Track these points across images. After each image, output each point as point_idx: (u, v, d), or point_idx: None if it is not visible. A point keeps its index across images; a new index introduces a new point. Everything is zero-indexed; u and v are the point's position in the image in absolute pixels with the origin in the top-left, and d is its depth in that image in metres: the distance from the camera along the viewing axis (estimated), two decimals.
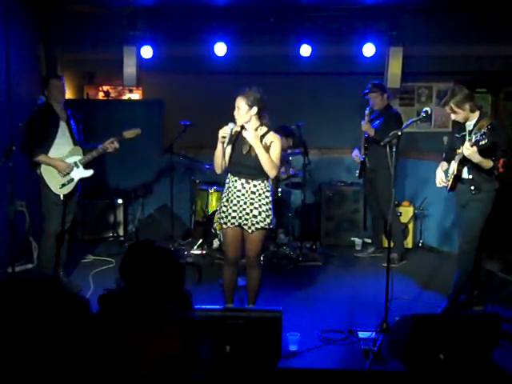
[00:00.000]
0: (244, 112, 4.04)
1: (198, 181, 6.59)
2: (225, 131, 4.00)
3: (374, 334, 3.97)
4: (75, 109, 5.19)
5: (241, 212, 4.11)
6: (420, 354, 3.52)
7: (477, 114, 4.34)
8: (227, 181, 4.23)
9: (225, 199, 4.21)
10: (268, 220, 4.12)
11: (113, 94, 7.95)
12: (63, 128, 4.94)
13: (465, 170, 4.36)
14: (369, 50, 6.79)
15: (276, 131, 4.28)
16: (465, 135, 4.35)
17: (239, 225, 4.14)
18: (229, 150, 4.15)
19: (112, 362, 0.93)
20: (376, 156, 5.86)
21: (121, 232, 6.98)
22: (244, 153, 4.08)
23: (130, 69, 6.76)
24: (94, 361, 0.93)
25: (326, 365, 3.68)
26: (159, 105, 7.26)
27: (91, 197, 6.84)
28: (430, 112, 4.19)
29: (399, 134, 4.13)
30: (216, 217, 4.32)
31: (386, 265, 4.17)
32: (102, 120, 7.03)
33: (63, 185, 4.89)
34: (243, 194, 4.11)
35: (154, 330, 1.92)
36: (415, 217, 6.84)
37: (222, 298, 4.42)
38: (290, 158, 6.46)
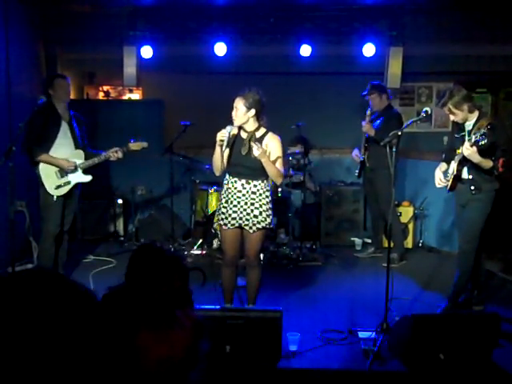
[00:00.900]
0: (242, 113, 4.03)
1: (197, 181, 6.59)
2: (222, 134, 3.99)
3: (374, 334, 3.97)
4: (75, 109, 5.17)
5: (241, 213, 4.10)
6: (420, 354, 3.52)
7: (476, 114, 4.34)
8: (225, 182, 4.22)
9: (224, 200, 4.20)
10: (268, 220, 4.12)
11: (113, 94, 7.95)
12: (65, 129, 4.93)
13: (464, 170, 4.36)
14: (369, 50, 6.79)
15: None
16: (464, 135, 4.35)
17: (239, 225, 4.14)
18: (227, 151, 4.15)
19: (115, 360, 0.93)
20: (376, 156, 5.86)
21: (121, 232, 6.98)
22: (243, 154, 4.07)
23: (130, 69, 6.76)
24: (99, 356, 0.93)
25: (325, 365, 3.68)
26: (159, 105, 7.27)
27: (91, 197, 6.83)
28: (430, 112, 4.19)
29: (399, 133, 4.13)
30: (215, 219, 4.32)
31: (385, 265, 4.17)
32: (102, 120, 7.04)
33: (59, 186, 4.86)
34: (244, 195, 4.11)
35: (158, 332, 1.93)
36: (415, 217, 6.84)
37: (221, 297, 4.42)
38: (290, 158, 6.47)
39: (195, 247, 6.32)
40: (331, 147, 7.41)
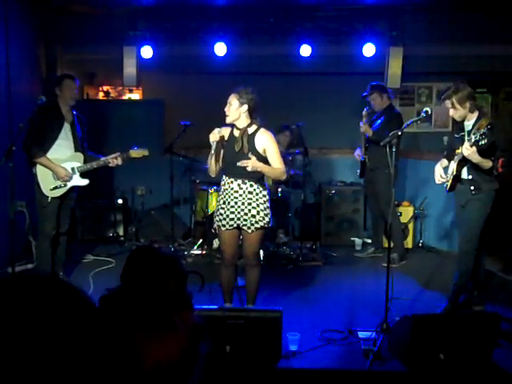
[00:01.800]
0: (234, 108, 4.05)
1: (197, 181, 6.59)
2: (215, 135, 4.03)
3: (374, 334, 3.96)
4: (75, 109, 5.15)
5: (239, 213, 4.10)
6: (420, 354, 3.52)
7: (476, 114, 4.34)
8: (222, 182, 4.22)
9: (221, 201, 4.19)
10: (267, 219, 4.12)
11: (113, 94, 7.96)
12: (67, 130, 4.90)
13: (464, 170, 4.36)
14: (369, 50, 6.79)
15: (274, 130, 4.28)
16: (464, 135, 4.35)
17: (238, 226, 4.14)
18: (222, 151, 4.16)
19: (112, 363, 0.92)
20: (376, 156, 5.86)
21: (121, 232, 6.97)
22: (236, 151, 4.06)
23: (129, 69, 6.76)
24: (95, 360, 0.93)
25: (325, 365, 3.68)
26: (159, 105, 7.27)
27: (91, 197, 6.84)
28: (430, 112, 4.19)
29: (399, 133, 4.13)
30: (214, 219, 4.32)
31: (385, 265, 4.17)
32: (102, 120, 7.04)
33: (55, 187, 4.84)
34: (241, 195, 4.10)
35: (154, 336, 1.92)
36: (415, 217, 6.84)
37: (221, 298, 4.42)
38: (290, 158, 6.47)
39: (195, 247, 6.32)
40: (331, 147, 7.41)
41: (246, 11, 6.74)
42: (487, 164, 4.15)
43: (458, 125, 4.52)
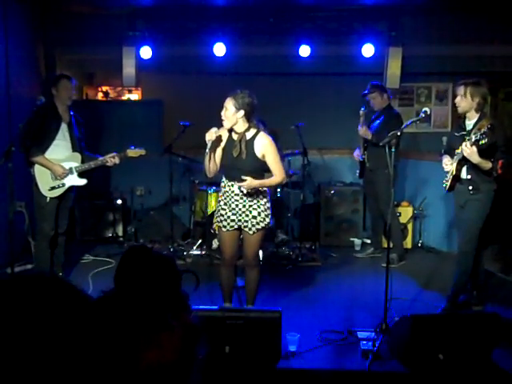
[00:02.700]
0: (230, 114, 4.00)
1: (197, 181, 6.59)
2: (211, 134, 3.98)
3: (373, 334, 3.97)
4: (74, 109, 5.15)
5: (240, 215, 4.10)
6: (419, 355, 3.52)
7: (478, 114, 4.34)
8: (223, 184, 4.21)
9: (222, 203, 4.19)
10: (267, 219, 4.12)
11: (112, 95, 7.96)
12: (64, 130, 4.90)
13: (464, 170, 4.36)
14: (368, 50, 6.79)
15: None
16: (464, 135, 4.35)
17: (239, 227, 4.14)
18: (219, 153, 4.14)
19: (107, 363, 0.92)
20: (375, 156, 5.86)
21: (120, 232, 6.97)
22: (235, 156, 4.05)
23: (129, 69, 6.76)
24: (92, 359, 0.93)
25: (325, 365, 3.68)
26: (158, 105, 7.26)
27: (91, 197, 6.83)
28: (429, 112, 4.18)
29: (398, 134, 4.13)
30: (214, 220, 4.32)
31: (385, 265, 4.17)
32: (101, 120, 7.04)
33: (53, 188, 4.84)
34: (241, 198, 4.10)
35: (147, 336, 1.91)
36: (414, 217, 6.84)
37: (221, 298, 4.42)
38: (290, 159, 6.47)
39: (194, 247, 6.32)
40: (331, 147, 7.41)
41: (246, 11, 6.74)
42: (487, 165, 4.15)
43: (459, 123, 4.51)
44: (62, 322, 0.91)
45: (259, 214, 4.08)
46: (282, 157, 6.59)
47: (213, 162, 4.11)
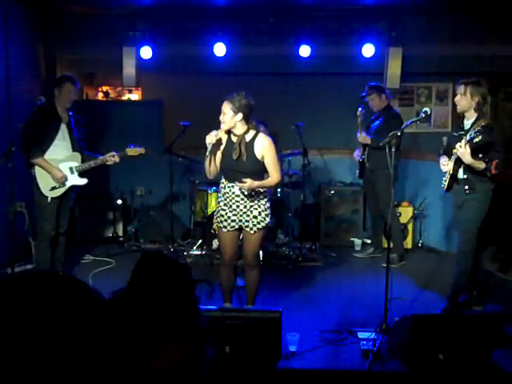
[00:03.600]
0: (229, 118, 3.99)
1: (197, 181, 6.59)
2: (211, 137, 3.99)
3: (373, 334, 3.97)
4: (74, 110, 5.14)
5: (241, 216, 4.11)
6: (419, 355, 3.52)
7: (477, 114, 4.34)
8: (222, 185, 4.21)
9: (223, 203, 4.19)
10: (268, 219, 4.14)
11: (112, 95, 7.95)
12: (64, 131, 4.90)
13: (460, 170, 4.36)
14: (368, 50, 6.79)
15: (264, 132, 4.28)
16: (462, 134, 4.34)
17: (239, 227, 4.15)
18: (219, 155, 4.15)
19: (117, 366, 0.93)
20: (376, 157, 5.86)
21: (120, 232, 6.97)
22: (235, 158, 4.05)
23: (129, 69, 6.76)
24: (103, 361, 0.93)
25: (325, 365, 3.68)
26: (158, 105, 7.26)
27: (91, 197, 6.84)
28: (429, 112, 4.18)
29: (398, 134, 4.13)
30: (214, 220, 4.32)
31: (385, 265, 4.17)
32: (101, 121, 7.04)
33: (53, 187, 4.83)
34: (242, 199, 4.10)
35: (158, 342, 1.91)
36: (414, 217, 6.84)
37: (221, 298, 4.42)
38: (290, 158, 6.48)
39: (195, 248, 6.32)
40: (330, 147, 7.41)
41: (246, 11, 6.74)
42: (479, 166, 4.14)
43: (458, 124, 4.51)
44: (74, 320, 0.91)
45: (259, 213, 4.09)
46: (280, 158, 6.62)
47: (213, 165, 4.12)
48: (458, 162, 4.29)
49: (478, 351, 3.55)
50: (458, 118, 4.75)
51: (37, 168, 4.80)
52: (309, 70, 7.07)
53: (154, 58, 6.83)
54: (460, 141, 4.21)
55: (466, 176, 4.33)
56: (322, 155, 7.37)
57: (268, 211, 4.15)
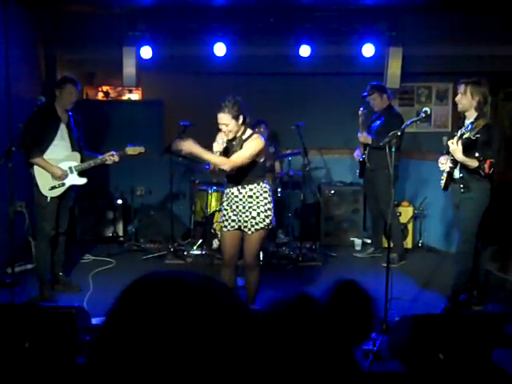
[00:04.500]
0: (232, 126, 4.02)
1: (197, 181, 6.59)
2: (219, 145, 4.07)
3: (373, 334, 3.96)
4: (74, 110, 5.14)
5: (240, 216, 4.14)
6: (419, 355, 3.52)
7: (477, 113, 4.34)
8: (225, 185, 4.31)
9: (225, 203, 4.26)
10: (267, 220, 4.14)
11: (112, 95, 7.94)
12: (63, 131, 4.90)
13: (457, 169, 4.36)
14: (368, 50, 6.79)
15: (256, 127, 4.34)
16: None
17: (239, 227, 4.17)
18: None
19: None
20: (376, 156, 5.86)
21: (120, 232, 6.97)
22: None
23: (129, 69, 6.76)
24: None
25: None
26: (159, 105, 7.26)
27: (91, 197, 6.84)
28: (429, 112, 4.19)
29: (399, 134, 4.13)
30: (215, 218, 4.36)
31: (385, 265, 4.17)
32: (101, 120, 7.04)
33: (53, 187, 4.83)
34: (241, 199, 4.14)
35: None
36: (415, 217, 6.84)
37: None
38: (290, 158, 6.48)
39: (195, 247, 6.32)
40: (330, 147, 7.41)
41: (246, 11, 6.74)
42: (472, 163, 4.13)
43: (458, 123, 4.51)
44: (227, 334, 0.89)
45: (258, 214, 4.10)
46: (280, 158, 6.64)
47: (218, 169, 4.18)
48: (455, 160, 4.29)
49: (478, 351, 3.55)
50: (459, 118, 4.75)
51: (36, 168, 4.80)
52: (309, 70, 7.07)
53: (154, 58, 6.83)
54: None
55: (461, 175, 4.33)
56: (322, 155, 7.37)
57: (269, 212, 4.15)
